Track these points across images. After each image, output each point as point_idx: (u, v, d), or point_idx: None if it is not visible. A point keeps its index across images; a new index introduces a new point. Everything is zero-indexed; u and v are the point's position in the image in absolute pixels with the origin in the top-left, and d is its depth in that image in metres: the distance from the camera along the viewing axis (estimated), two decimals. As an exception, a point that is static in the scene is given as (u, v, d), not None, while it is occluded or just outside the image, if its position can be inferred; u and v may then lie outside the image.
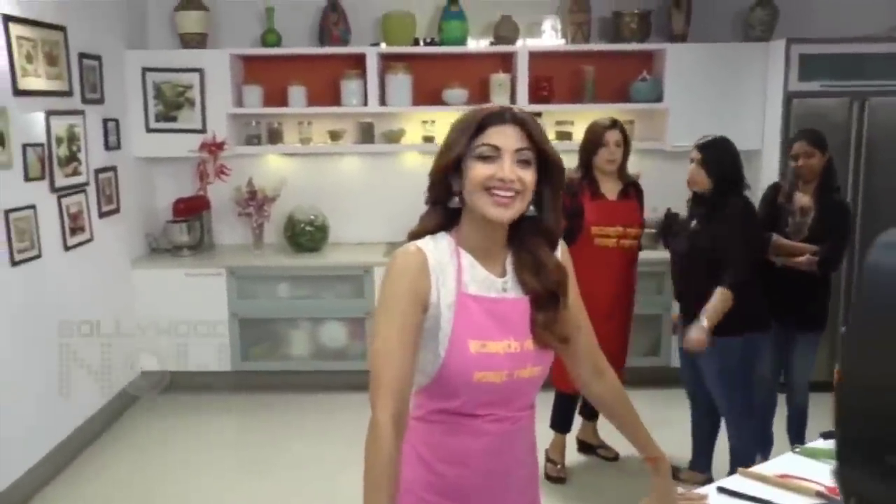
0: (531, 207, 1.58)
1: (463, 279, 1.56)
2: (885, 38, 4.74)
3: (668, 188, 5.25)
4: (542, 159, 1.56)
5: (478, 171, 1.51)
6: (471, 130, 1.53)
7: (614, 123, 3.70)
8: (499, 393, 1.57)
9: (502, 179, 1.50)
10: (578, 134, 5.20)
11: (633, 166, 5.51)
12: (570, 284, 1.67)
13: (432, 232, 1.61)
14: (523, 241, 1.61)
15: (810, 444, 2.20)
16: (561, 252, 1.68)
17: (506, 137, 1.52)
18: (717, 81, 4.92)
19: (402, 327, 1.49)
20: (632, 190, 3.82)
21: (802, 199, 3.62)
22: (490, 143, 1.52)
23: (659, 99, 5.01)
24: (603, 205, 3.68)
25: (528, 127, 1.54)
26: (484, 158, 1.52)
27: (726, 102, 4.91)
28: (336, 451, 4.04)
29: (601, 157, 3.66)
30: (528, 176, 1.53)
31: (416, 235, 1.61)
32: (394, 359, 1.47)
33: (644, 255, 5.03)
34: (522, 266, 1.61)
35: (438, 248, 1.57)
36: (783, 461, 2.11)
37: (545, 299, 1.61)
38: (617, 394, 1.80)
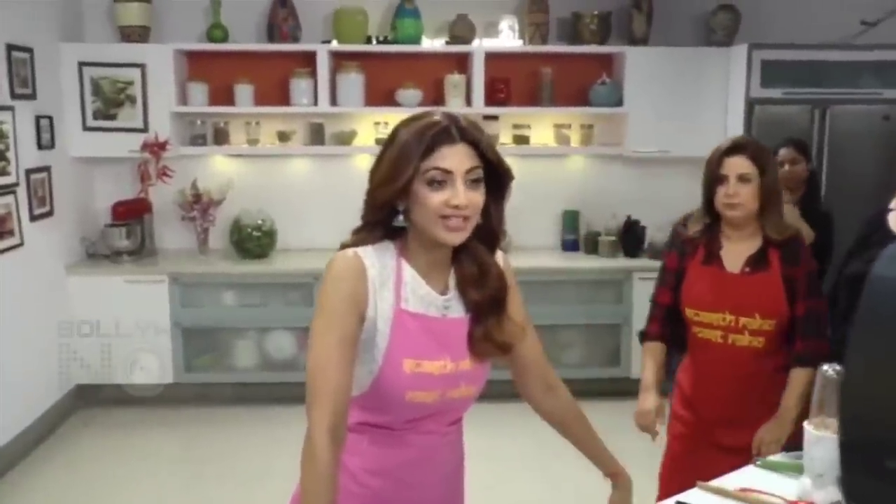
0: None
1: (402, 294, 1.54)
2: (845, 46, 4.73)
3: (627, 195, 5.22)
4: (490, 170, 1.52)
5: (431, 198, 1.46)
6: (419, 153, 1.45)
7: (739, 146, 2.39)
8: (429, 411, 1.57)
9: (456, 206, 1.46)
10: (536, 138, 5.13)
11: (591, 171, 5.44)
12: (512, 291, 1.66)
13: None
14: (466, 249, 1.58)
15: (771, 458, 2.19)
16: (501, 259, 1.67)
17: (457, 159, 1.46)
18: (678, 86, 4.86)
19: (342, 337, 1.46)
20: (774, 255, 2.42)
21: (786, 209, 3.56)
22: (441, 168, 1.46)
23: (619, 103, 4.93)
24: (711, 275, 2.44)
25: (478, 144, 1.49)
26: (434, 183, 1.46)
27: (687, 108, 4.86)
28: (284, 465, 3.85)
29: (718, 198, 2.42)
30: (479, 197, 1.50)
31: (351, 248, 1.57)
32: (332, 370, 1.44)
33: (603, 262, 4.98)
34: (466, 281, 1.59)
35: (380, 258, 1.53)
36: (744, 474, 2.09)
37: (487, 308, 1.60)
38: (571, 409, 1.80)
